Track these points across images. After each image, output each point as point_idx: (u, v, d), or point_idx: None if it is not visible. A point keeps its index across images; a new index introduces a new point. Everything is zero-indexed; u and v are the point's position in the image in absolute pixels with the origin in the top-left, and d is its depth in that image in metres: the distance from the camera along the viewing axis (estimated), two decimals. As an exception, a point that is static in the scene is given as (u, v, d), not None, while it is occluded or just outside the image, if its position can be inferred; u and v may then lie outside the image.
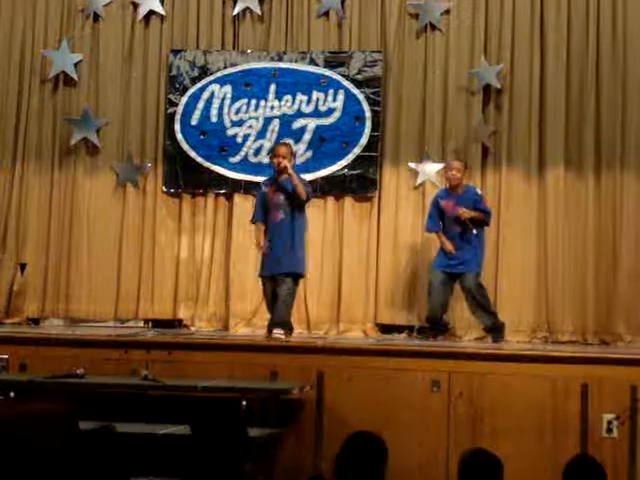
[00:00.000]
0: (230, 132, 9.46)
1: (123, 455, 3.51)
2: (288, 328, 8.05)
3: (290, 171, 8.01)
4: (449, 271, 8.33)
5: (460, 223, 8.33)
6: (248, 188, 9.40)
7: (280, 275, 7.98)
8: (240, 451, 3.78)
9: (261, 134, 9.43)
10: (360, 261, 9.25)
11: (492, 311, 8.37)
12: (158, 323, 9.27)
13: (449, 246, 8.30)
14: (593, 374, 6.88)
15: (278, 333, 7.89)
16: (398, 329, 9.08)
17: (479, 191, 8.61)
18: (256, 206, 8.33)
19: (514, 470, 4.11)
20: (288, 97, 9.43)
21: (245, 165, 9.41)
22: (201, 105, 9.51)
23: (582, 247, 8.95)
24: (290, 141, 8.97)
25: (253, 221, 8.32)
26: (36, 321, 9.44)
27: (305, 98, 9.40)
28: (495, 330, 8.33)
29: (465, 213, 8.28)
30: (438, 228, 8.46)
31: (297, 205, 8.07)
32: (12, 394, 6.51)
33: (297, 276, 8.11)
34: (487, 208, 8.43)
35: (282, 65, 9.48)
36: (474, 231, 8.32)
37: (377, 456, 3.85)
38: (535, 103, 9.10)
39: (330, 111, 9.38)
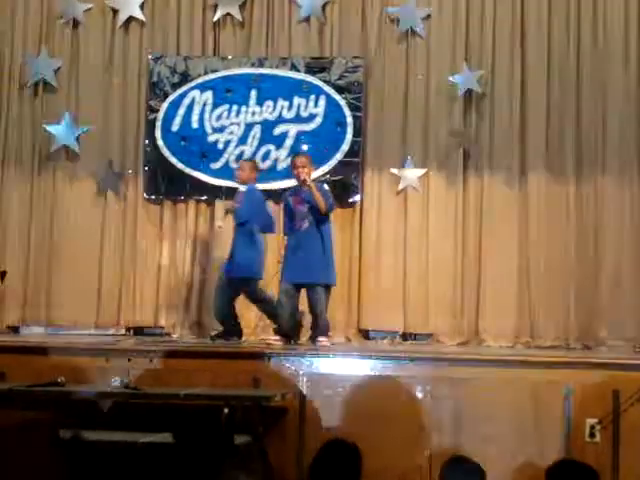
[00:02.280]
0: (211, 138, 9.44)
1: (94, 463, 3.48)
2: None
3: (310, 184, 7.99)
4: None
5: None
6: (229, 194, 9.38)
7: (315, 284, 7.96)
8: (224, 459, 3.75)
9: (242, 140, 9.41)
10: (342, 267, 9.21)
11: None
12: (139, 331, 9.22)
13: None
14: (576, 379, 6.86)
15: (325, 341, 7.93)
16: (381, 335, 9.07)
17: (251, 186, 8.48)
18: (283, 219, 8.29)
19: (497, 475, 4.09)
20: (269, 103, 9.41)
21: (226, 171, 9.39)
22: (182, 111, 9.48)
23: (564, 252, 8.97)
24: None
25: (284, 233, 8.27)
26: (16, 329, 9.38)
27: (286, 104, 9.39)
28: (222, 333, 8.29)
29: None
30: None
31: (318, 214, 8.05)
32: (-8, 403, 6.46)
33: (329, 286, 8.10)
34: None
35: (263, 71, 9.47)
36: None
37: (351, 463, 3.83)
38: (516, 108, 9.13)
39: (311, 117, 9.37)
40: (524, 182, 9.11)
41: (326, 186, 8.31)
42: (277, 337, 8.02)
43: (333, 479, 3.78)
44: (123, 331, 9.16)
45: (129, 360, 7.16)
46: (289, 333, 8.07)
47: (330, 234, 8.20)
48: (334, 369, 7.08)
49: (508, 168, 9.12)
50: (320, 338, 7.96)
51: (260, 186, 8.79)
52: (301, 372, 6.93)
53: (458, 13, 9.29)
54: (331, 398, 6.88)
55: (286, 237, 8.21)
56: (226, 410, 6.11)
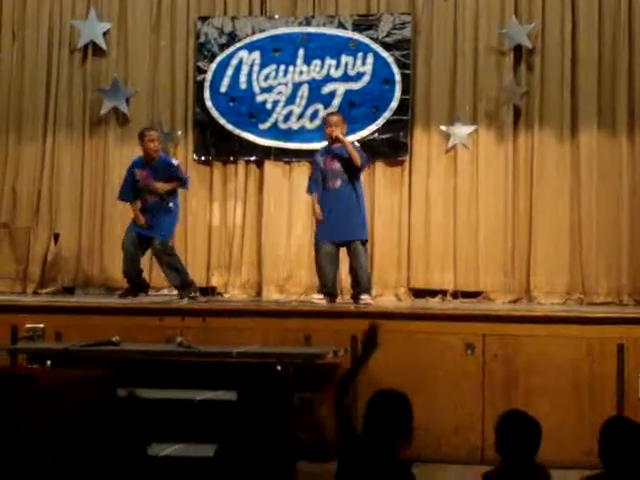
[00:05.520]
0: (259, 98, 9.43)
1: (147, 421, 3.54)
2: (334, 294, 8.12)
3: (342, 139, 7.98)
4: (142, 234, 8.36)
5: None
6: (278, 154, 9.40)
7: (353, 242, 7.98)
8: (285, 415, 3.81)
9: (290, 100, 9.39)
10: (392, 226, 9.23)
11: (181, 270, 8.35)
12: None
13: (142, 219, 8.30)
14: (629, 334, 6.84)
15: (367, 299, 7.95)
16: (431, 293, 9.07)
17: (174, 160, 8.58)
18: (312, 177, 8.26)
19: (549, 432, 4.08)
20: (317, 62, 9.37)
21: (275, 131, 9.39)
22: (230, 72, 9.48)
23: (616, 207, 8.87)
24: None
25: (309, 192, 8.26)
26: (70, 290, 9.50)
27: (334, 62, 9.35)
28: (184, 287, 8.29)
29: (160, 189, 8.26)
30: (131, 198, 8.46)
31: (354, 172, 8.04)
32: (49, 363, 6.57)
33: (365, 242, 8.14)
34: (182, 175, 8.44)
35: (310, 30, 9.43)
36: (170, 204, 8.33)
37: (403, 409, 3.87)
38: (567, 63, 9.00)
39: (359, 75, 9.32)
40: (575, 138, 9.00)
41: (357, 143, 8.25)
42: (321, 296, 8.04)
43: (385, 427, 3.81)
44: (175, 291, 9.21)
45: (182, 319, 7.25)
46: (334, 292, 8.09)
47: (362, 191, 8.18)
48: (384, 326, 7.10)
49: (559, 124, 9.01)
50: (363, 296, 7.97)
51: (310, 146, 8.79)
52: (352, 329, 6.96)
53: (507, -34, 9.15)
54: (383, 355, 6.90)
55: (317, 197, 8.13)
56: (278, 367, 6.17)
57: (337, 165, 8.04)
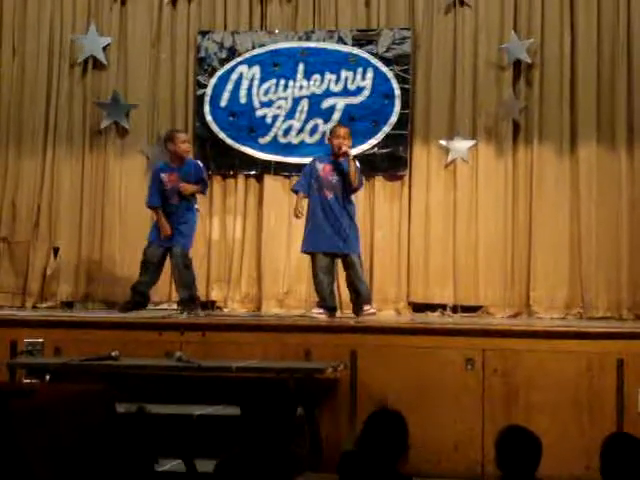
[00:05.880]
0: (259, 113, 9.45)
1: (155, 437, 3.53)
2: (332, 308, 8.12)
3: (351, 156, 7.99)
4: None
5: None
6: (278, 169, 9.41)
7: (348, 255, 7.99)
8: (288, 430, 3.82)
9: (290, 114, 9.41)
10: (392, 240, 9.23)
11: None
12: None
13: (168, 229, 8.06)
14: (628, 349, 6.83)
15: (370, 309, 8.00)
16: (431, 307, 9.06)
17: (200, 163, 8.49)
18: (303, 176, 8.24)
19: (549, 447, 4.08)
20: (317, 76, 9.39)
21: (274, 146, 9.41)
22: (230, 86, 9.50)
23: (615, 222, 8.88)
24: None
25: (295, 190, 8.26)
26: (70, 304, 9.50)
27: (334, 77, 9.37)
28: (188, 302, 8.15)
29: (189, 190, 8.13)
30: (160, 204, 8.19)
31: (348, 190, 8.05)
32: (47, 377, 6.56)
33: (359, 255, 8.14)
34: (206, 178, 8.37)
35: (310, 44, 9.45)
36: (195, 205, 8.25)
37: (397, 431, 3.88)
38: (566, 77, 9.02)
39: (359, 90, 9.33)
40: (575, 152, 9.00)
41: (358, 164, 8.28)
42: (320, 310, 8.04)
43: (379, 448, 3.82)
44: (175, 306, 9.20)
45: (181, 334, 7.24)
46: (333, 305, 8.09)
47: (355, 210, 8.19)
48: (384, 341, 7.11)
49: (558, 138, 9.02)
50: (365, 307, 7.99)
51: (309, 160, 8.81)
52: (352, 344, 6.96)
53: (506, -19, 9.18)
54: (382, 369, 6.90)
55: (306, 200, 8.13)
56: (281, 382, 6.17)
57: (335, 178, 8.05)
